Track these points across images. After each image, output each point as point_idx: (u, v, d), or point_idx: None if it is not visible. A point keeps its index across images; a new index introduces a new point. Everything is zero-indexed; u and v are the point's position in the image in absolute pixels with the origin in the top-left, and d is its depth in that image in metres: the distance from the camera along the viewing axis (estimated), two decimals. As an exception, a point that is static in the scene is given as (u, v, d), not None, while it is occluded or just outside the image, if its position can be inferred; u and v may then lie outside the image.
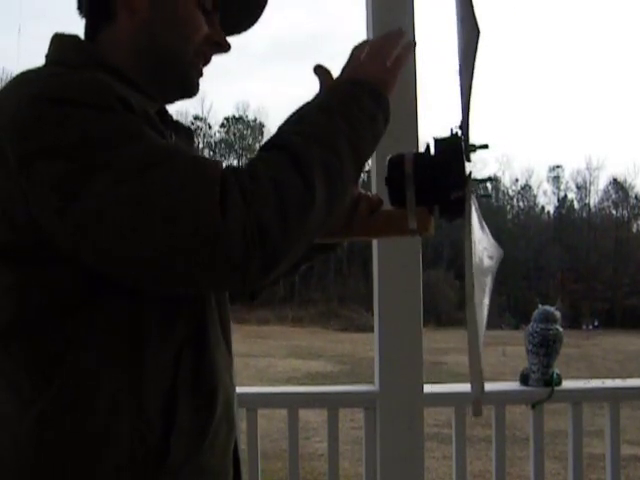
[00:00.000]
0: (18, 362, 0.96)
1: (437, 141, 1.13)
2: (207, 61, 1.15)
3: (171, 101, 1.16)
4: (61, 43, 1.09)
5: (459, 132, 1.13)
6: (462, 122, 1.13)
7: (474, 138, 1.14)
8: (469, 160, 1.13)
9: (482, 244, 1.15)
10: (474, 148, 1.14)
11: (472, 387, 1.03)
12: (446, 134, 1.13)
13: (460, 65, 1.13)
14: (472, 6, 1.06)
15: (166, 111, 1.14)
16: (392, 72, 1.14)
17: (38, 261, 0.94)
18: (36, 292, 0.95)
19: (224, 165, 0.94)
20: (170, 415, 0.98)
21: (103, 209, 0.87)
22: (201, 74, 1.15)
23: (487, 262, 1.17)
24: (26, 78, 0.98)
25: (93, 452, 0.95)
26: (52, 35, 1.09)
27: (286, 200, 0.90)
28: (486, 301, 1.12)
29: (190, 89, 1.15)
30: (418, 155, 1.13)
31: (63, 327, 0.95)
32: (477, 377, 1.02)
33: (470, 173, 1.12)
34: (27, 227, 0.92)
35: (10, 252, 0.95)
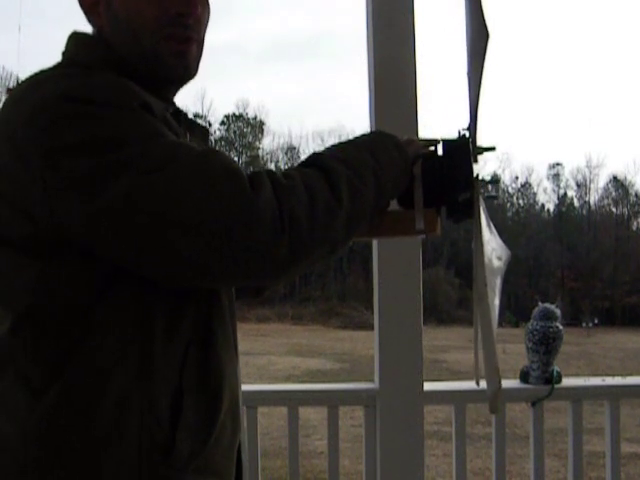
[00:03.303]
0: (30, 353, 0.97)
1: (445, 143, 1.14)
2: (181, 37, 1.08)
3: (172, 92, 1.15)
4: (78, 42, 1.10)
5: (467, 134, 1.13)
6: (470, 124, 1.14)
7: (480, 139, 1.14)
8: (476, 162, 1.14)
9: (491, 245, 1.17)
10: (481, 150, 1.15)
11: (488, 384, 1.05)
12: (454, 136, 1.14)
13: (469, 68, 1.14)
14: (482, 10, 1.07)
15: (180, 110, 1.15)
16: (414, 147, 1.16)
17: (56, 256, 0.95)
18: (52, 286, 0.96)
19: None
20: (177, 412, 0.99)
21: (133, 199, 0.89)
22: (182, 54, 1.08)
23: (496, 263, 1.18)
24: (45, 78, 0.99)
25: (101, 446, 0.95)
26: (70, 33, 1.10)
27: (317, 204, 0.95)
28: (496, 302, 1.13)
29: (176, 76, 1.11)
30: (426, 156, 1.13)
31: (75, 322, 0.96)
32: (493, 374, 1.04)
33: (477, 175, 1.13)
34: (47, 223, 0.93)
35: (29, 246, 0.96)
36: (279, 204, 0.92)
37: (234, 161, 0.96)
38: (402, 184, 1.11)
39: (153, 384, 0.97)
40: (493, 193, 1.25)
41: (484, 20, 1.07)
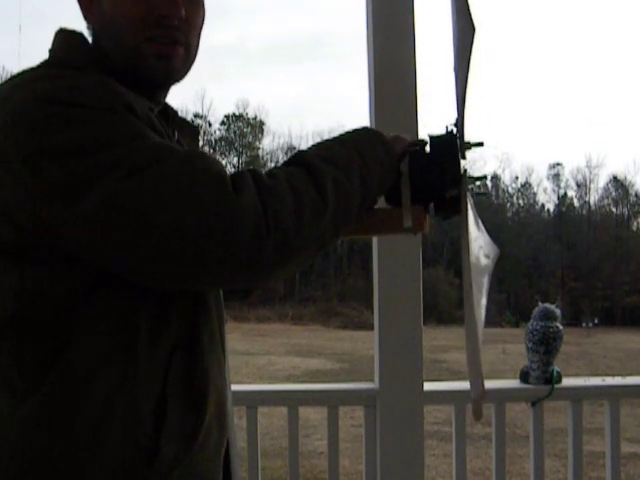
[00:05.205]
0: (13, 359, 0.96)
1: (432, 139, 1.12)
2: (165, 39, 1.07)
3: (159, 93, 1.13)
4: (65, 40, 1.09)
5: (454, 129, 1.12)
6: (457, 119, 1.12)
7: (471, 136, 1.14)
8: (464, 158, 1.13)
9: (478, 242, 1.15)
10: (469, 146, 1.14)
11: (472, 390, 1.03)
12: (441, 132, 1.13)
13: (455, 63, 1.13)
14: (467, 4, 1.06)
15: (169, 109, 1.14)
16: (400, 144, 1.15)
17: (39, 261, 0.94)
18: (36, 291, 0.95)
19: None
20: (161, 417, 0.98)
21: (116, 201, 0.89)
22: (166, 57, 1.07)
23: (484, 261, 1.16)
24: (28, 79, 0.98)
25: (84, 453, 0.95)
26: (57, 30, 1.09)
27: (302, 203, 0.94)
28: (484, 301, 1.11)
29: (159, 79, 1.10)
30: (413, 153, 1.13)
31: (60, 326, 0.95)
32: (477, 379, 1.02)
33: (465, 171, 1.12)
34: (30, 227, 0.92)
35: (12, 251, 0.95)
36: (263, 205, 0.91)
37: (218, 162, 0.95)
38: (389, 181, 1.10)
39: (137, 389, 0.97)
40: (484, 190, 1.23)
41: (470, 15, 1.05)
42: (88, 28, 1.11)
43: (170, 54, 1.07)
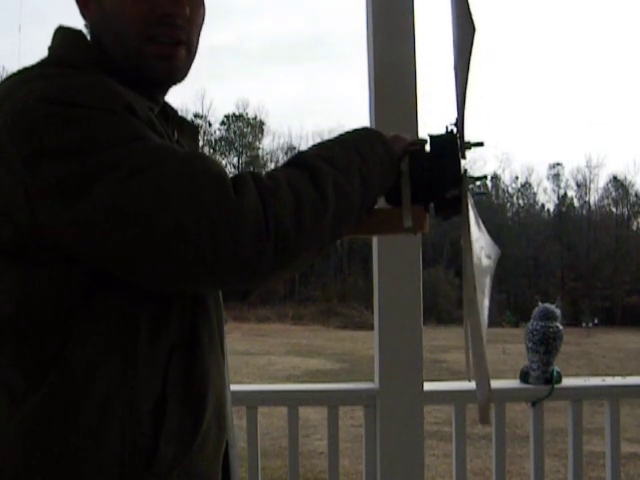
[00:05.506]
0: (12, 360, 0.96)
1: (432, 138, 1.12)
2: (168, 38, 1.06)
3: (160, 93, 1.13)
4: (65, 38, 1.08)
5: (454, 129, 1.12)
6: (457, 119, 1.12)
7: (471, 136, 1.13)
8: (464, 157, 1.12)
9: (479, 243, 1.14)
10: (469, 145, 1.13)
11: (478, 392, 1.02)
12: (441, 131, 1.13)
13: (455, 62, 1.13)
14: (467, 4, 1.06)
15: (168, 109, 1.14)
16: (400, 143, 1.14)
17: (38, 261, 0.94)
18: (35, 292, 0.95)
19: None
20: (159, 418, 0.98)
21: (114, 203, 0.88)
22: (168, 58, 1.07)
23: (485, 262, 1.16)
24: (27, 78, 0.98)
25: (83, 453, 0.95)
26: (56, 27, 1.09)
27: (302, 204, 0.94)
28: (486, 302, 1.11)
29: (160, 79, 1.09)
30: (413, 153, 1.12)
31: (59, 327, 0.95)
32: (483, 380, 1.01)
33: (465, 171, 1.12)
34: (29, 227, 0.92)
35: (11, 251, 0.95)
36: (264, 206, 0.91)
37: (219, 164, 0.95)
38: (389, 181, 1.09)
39: (136, 390, 0.97)
40: (483, 190, 1.23)
41: (470, 14, 1.05)
42: (86, 26, 1.10)
43: (172, 55, 1.07)
